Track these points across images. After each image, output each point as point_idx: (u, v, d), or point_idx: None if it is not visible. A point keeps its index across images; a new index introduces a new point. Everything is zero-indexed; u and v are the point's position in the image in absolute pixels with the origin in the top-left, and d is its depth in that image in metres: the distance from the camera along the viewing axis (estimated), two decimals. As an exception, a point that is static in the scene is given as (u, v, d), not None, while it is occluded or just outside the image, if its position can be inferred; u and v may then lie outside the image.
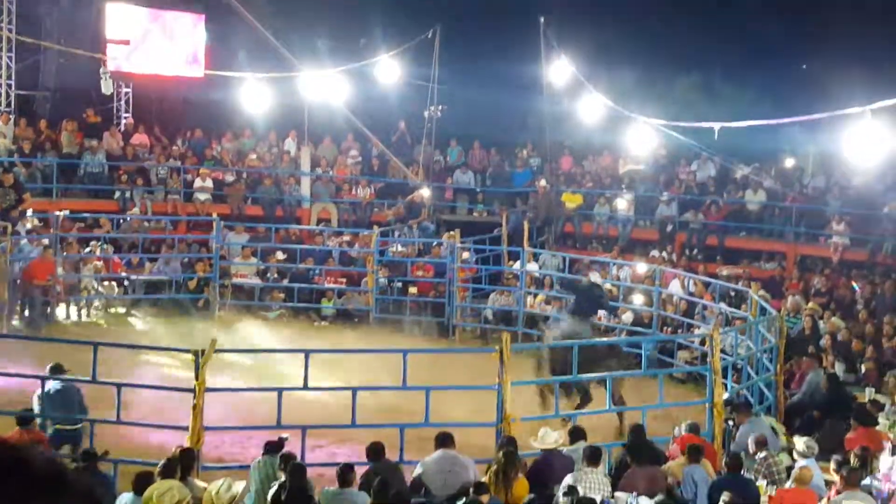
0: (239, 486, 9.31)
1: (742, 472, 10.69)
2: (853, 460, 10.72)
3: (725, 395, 13.43)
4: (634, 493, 10.09)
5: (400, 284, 22.23)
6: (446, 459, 10.63)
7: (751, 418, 12.66)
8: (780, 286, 21.46)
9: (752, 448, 11.48)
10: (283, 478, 9.77)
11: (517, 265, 22.06)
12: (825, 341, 17.08)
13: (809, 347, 16.83)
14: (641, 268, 21.55)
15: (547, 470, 10.73)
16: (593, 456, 10.47)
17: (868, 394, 14.94)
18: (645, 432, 11.70)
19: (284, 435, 11.30)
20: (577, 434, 11.49)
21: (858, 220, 22.99)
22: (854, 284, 20.78)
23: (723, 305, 18.93)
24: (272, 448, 10.62)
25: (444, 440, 10.79)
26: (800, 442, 11.34)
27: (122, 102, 27.17)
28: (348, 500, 9.76)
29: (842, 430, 12.85)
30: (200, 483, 9.78)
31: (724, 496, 9.50)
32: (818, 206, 23.90)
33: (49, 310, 19.96)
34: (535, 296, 21.47)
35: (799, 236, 23.70)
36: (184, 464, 9.70)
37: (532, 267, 22.32)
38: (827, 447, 11.91)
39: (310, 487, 9.75)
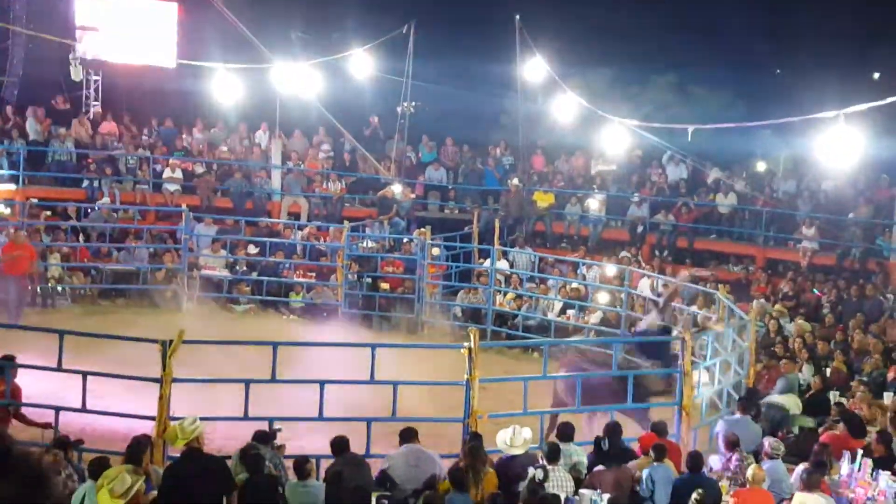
0: (204, 424, 9.60)
1: (704, 472, 10.71)
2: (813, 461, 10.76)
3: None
4: (598, 491, 10.07)
5: (370, 280, 22.12)
6: (412, 454, 10.59)
7: (739, 416, 12.65)
8: (747, 289, 21.53)
9: (722, 447, 11.51)
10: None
11: (487, 263, 22.02)
12: (796, 344, 17.13)
13: (777, 349, 16.88)
14: (610, 269, 21.56)
15: (510, 468, 10.66)
16: (553, 453, 10.45)
17: (833, 397, 15.01)
18: (621, 432, 11.67)
19: (278, 426, 11.25)
20: (565, 434, 11.41)
21: (828, 224, 23.12)
22: (814, 289, 20.90)
23: (693, 308, 18.96)
24: (261, 438, 10.55)
25: (408, 435, 10.76)
26: (766, 442, 11.36)
27: (92, 90, 26.89)
28: (311, 492, 9.76)
29: (813, 435, 12.87)
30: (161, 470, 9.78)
31: (695, 494, 9.48)
32: (788, 211, 24.01)
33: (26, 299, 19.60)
34: (505, 294, 21.44)
35: (768, 240, 23.81)
36: (140, 450, 9.63)
37: (502, 265, 22.29)
38: (800, 450, 11.91)
39: (281, 479, 9.69)
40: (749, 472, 9.94)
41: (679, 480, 10.56)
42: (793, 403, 13.90)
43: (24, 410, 12.04)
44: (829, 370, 16.35)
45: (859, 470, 10.96)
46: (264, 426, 11.17)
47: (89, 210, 22.94)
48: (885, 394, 14.66)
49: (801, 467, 10.61)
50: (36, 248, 20.33)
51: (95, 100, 26.98)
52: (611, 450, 11.16)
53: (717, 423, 13.04)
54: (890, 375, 15.40)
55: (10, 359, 12.13)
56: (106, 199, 23.57)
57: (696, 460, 10.74)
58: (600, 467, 10.70)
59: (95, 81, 26.92)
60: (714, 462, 11.55)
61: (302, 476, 9.94)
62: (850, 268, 22.02)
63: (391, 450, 10.91)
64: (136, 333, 13.30)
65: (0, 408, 11.75)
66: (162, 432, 10.78)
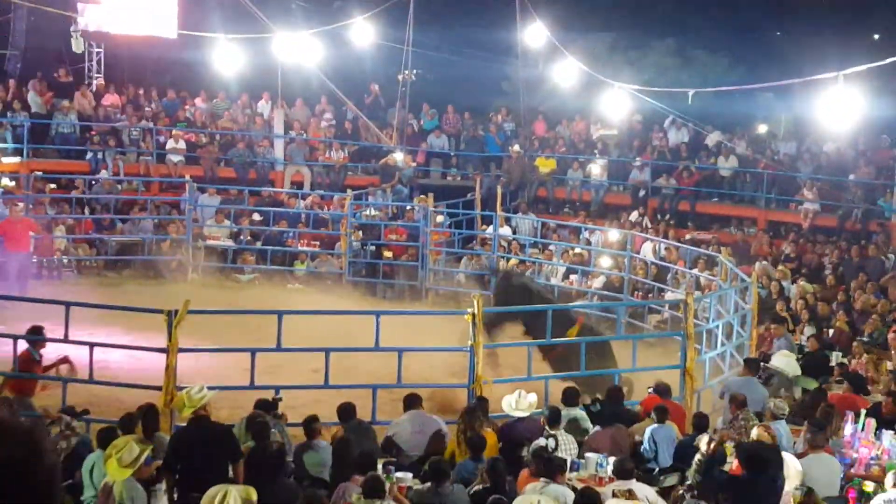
0: (211, 393, 9.64)
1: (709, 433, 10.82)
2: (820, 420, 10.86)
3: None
4: (605, 455, 10.18)
5: (373, 248, 22.22)
6: (417, 420, 10.74)
7: (746, 377, 12.73)
8: (749, 252, 21.60)
9: (728, 406, 11.61)
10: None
11: (490, 229, 22.11)
12: (798, 306, 17.23)
13: (780, 310, 16.98)
14: (613, 234, 21.65)
15: (515, 432, 10.78)
16: (553, 417, 10.58)
17: (835, 357, 15.13)
18: (623, 395, 11.81)
19: (278, 396, 11.41)
20: (569, 397, 11.53)
21: (829, 186, 23.15)
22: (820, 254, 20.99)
23: (695, 271, 19.06)
24: (263, 406, 10.71)
25: (413, 401, 10.91)
26: (770, 403, 11.45)
27: (94, 63, 26.88)
28: (318, 453, 9.91)
29: (820, 395, 12.97)
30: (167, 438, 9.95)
31: (699, 455, 9.54)
32: (789, 173, 24.04)
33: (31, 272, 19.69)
34: (508, 260, 21.54)
35: (770, 202, 23.85)
36: (147, 420, 9.78)
37: (505, 231, 22.38)
38: (806, 411, 11.99)
39: (286, 448, 9.83)
40: (754, 433, 10.04)
41: (686, 439, 10.70)
42: (792, 366, 14.00)
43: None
44: (831, 331, 16.48)
45: (863, 430, 11.04)
46: (270, 395, 11.33)
47: (93, 182, 23.02)
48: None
49: (805, 428, 10.72)
50: (39, 222, 20.42)
51: (98, 72, 26.97)
52: (604, 411, 11.29)
53: (724, 383, 13.16)
54: (890, 336, 15.50)
55: (38, 331, 12.25)
56: (105, 172, 23.58)
57: (702, 420, 10.88)
58: (596, 428, 10.84)
59: (98, 53, 26.89)
60: (719, 423, 11.67)
61: (311, 436, 10.10)
62: (852, 229, 22.07)
63: (396, 416, 11.06)
64: (141, 304, 13.47)
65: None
66: (169, 402, 10.92)
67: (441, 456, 9.98)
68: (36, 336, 12.13)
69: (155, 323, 11.91)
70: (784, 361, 13.84)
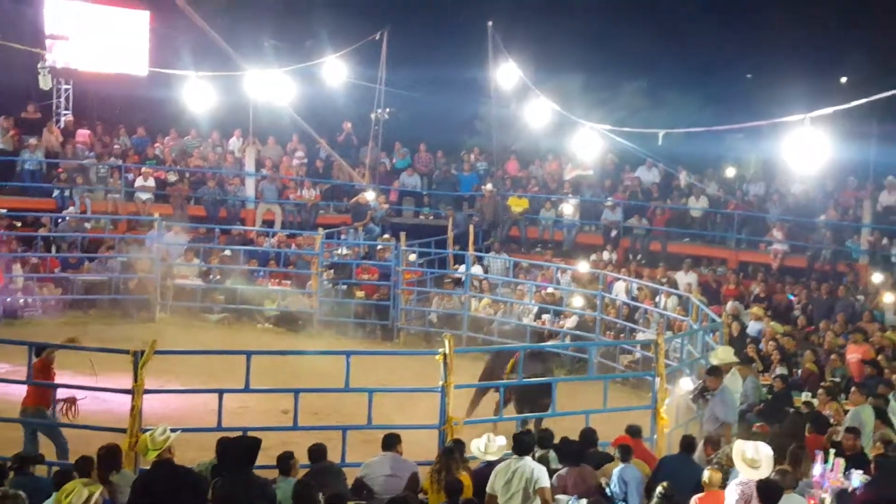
0: (174, 435, 9.46)
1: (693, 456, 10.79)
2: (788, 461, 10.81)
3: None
4: (575, 497, 10.08)
5: (345, 287, 22.09)
6: (391, 462, 10.57)
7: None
8: (718, 292, 21.65)
9: (702, 449, 11.48)
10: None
11: (463, 269, 22.04)
12: (768, 346, 17.24)
13: (750, 351, 16.98)
14: (583, 267, 21.67)
15: (486, 476, 10.63)
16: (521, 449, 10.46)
17: (804, 396, 15.12)
18: (596, 437, 11.69)
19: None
20: (544, 440, 11.41)
21: (797, 227, 23.30)
22: (790, 294, 21.05)
23: (666, 311, 19.07)
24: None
25: (390, 442, 10.74)
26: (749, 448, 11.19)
27: (63, 99, 26.74)
28: (289, 488, 9.74)
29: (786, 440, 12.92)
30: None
31: (660, 488, 9.52)
32: (759, 214, 24.18)
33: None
34: (480, 299, 21.47)
35: (740, 243, 23.97)
36: (105, 461, 9.56)
37: (477, 270, 22.32)
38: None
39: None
40: (705, 475, 9.95)
41: (665, 459, 10.69)
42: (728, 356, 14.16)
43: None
44: (799, 371, 16.51)
45: (831, 469, 11.01)
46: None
47: (60, 220, 22.79)
48: None
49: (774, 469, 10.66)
50: (3, 260, 20.17)
51: (66, 109, 26.82)
52: (571, 451, 11.14)
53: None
54: (854, 356, 15.64)
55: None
56: (72, 209, 23.37)
57: (689, 441, 10.85)
58: (562, 468, 10.73)
59: (66, 90, 26.76)
60: None
61: (286, 473, 9.91)
62: (821, 270, 22.20)
63: (367, 458, 10.90)
64: (108, 344, 13.27)
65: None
66: (134, 444, 10.71)
67: (413, 494, 9.84)
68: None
69: (122, 363, 11.71)
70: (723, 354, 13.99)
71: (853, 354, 16.21)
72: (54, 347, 12.34)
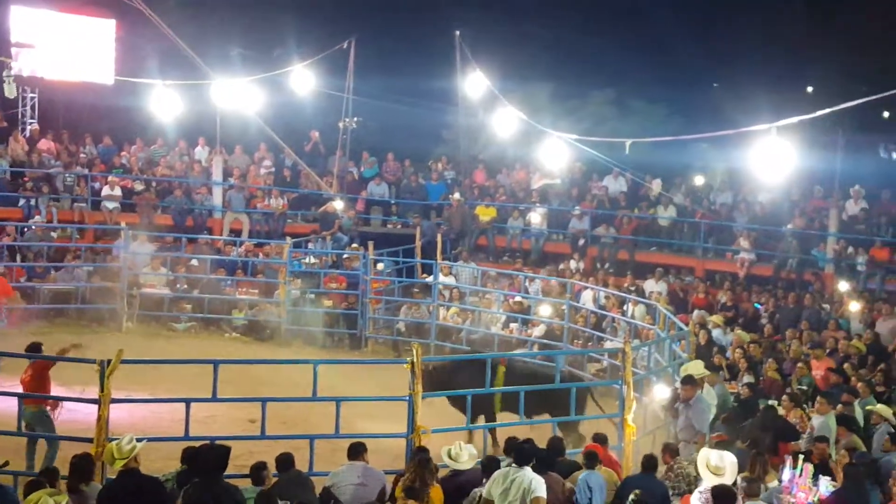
0: (140, 444, 9.55)
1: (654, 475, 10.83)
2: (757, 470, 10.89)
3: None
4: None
5: (313, 296, 22.03)
6: (359, 471, 10.53)
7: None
8: (686, 300, 21.77)
9: (661, 456, 11.59)
10: None
11: (431, 278, 22.05)
12: (735, 354, 17.34)
13: (718, 361, 17.07)
14: (552, 281, 21.69)
15: (455, 484, 10.65)
16: (490, 467, 10.46)
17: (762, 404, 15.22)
18: (563, 446, 11.71)
19: None
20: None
21: (764, 236, 23.47)
22: (757, 303, 21.19)
23: (633, 319, 19.16)
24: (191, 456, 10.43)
25: (357, 451, 10.71)
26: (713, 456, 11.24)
27: (28, 108, 26.53)
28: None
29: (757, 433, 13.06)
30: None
31: (632, 495, 9.58)
32: (726, 223, 24.34)
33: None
34: (448, 308, 21.47)
35: (707, 252, 24.10)
36: (76, 471, 9.48)
37: (446, 279, 22.32)
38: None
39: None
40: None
41: (629, 479, 10.71)
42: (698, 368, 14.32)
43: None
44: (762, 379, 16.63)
45: (800, 475, 11.09)
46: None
47: (25, 229, 22.60)
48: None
49: (740, 477, 10.73)
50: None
51: (32, 117, 26.61)
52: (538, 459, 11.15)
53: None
54: (818, 371, 15.77)
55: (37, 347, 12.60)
56: (38, 218, 23.19)
57: (650, 461, 10.89)
58: None
59: (32, 98, 26.56)
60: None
61: (258, 484, 9.86)
62: (787, 278, 22.37)
63: (335, 467, 10.86)
64: (74, 353, 13.15)
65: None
66: (100, 454, 10.63)
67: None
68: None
69: (88, 373, 11.63)
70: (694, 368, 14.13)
71: (817, 371, 16.30)
72: (52, 359, 12.48)
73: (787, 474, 11.20)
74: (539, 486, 9.71)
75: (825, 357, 16.73)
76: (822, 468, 11.50)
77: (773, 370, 16.55)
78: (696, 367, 14.40)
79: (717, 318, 19.65)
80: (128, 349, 11.68)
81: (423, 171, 27.81)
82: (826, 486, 10.92)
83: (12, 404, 11.90)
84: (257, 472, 10.02)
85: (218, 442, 11.23)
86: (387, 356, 20.24)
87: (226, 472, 10.22)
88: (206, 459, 9.05)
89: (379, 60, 26.84)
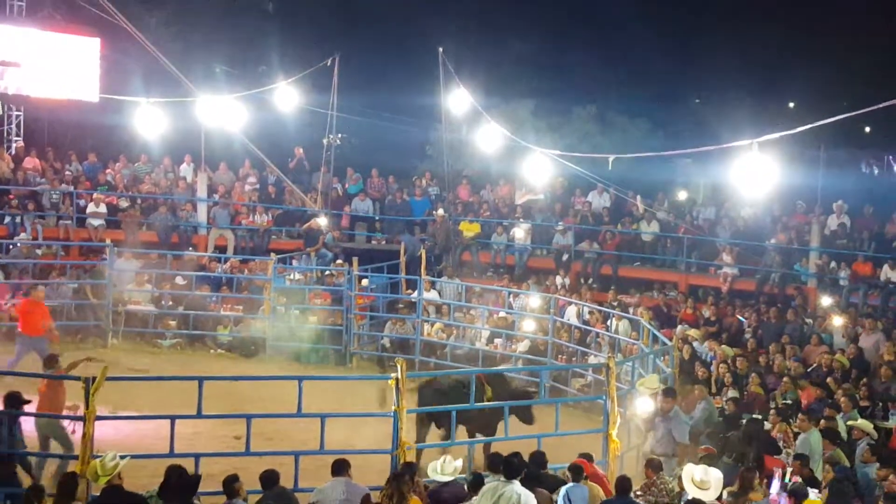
0: (123, 461, 9.68)
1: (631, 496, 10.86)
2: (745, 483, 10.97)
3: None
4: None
5: (297, 312, 22.05)
6: (344, 487, 10.57)
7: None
8: (669, 315, 21.85)
9: (643, 472, 11.66)
10: None
11: (415, 294, 22.09)
12: (720, 369, 17.41)
13: (701, 375, 17.14)
14: (535, 299, 21.72)
15: (440, 497, 10.70)
16: (476, 483, 10.52)
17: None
18: (545, 460, 11.76)
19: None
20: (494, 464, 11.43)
21: (747, 251, 23.58)
22: (741, 318, 21.29)
23: (617, 334, 19.23)
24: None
25: (340, 467, 10.74)
26: (698, 471, 11.29)
27: (13, 125, 26.53)
28: None
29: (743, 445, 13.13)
30: None
31: None
32: (709, 238, 24.44)
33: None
34: (433, 324, 21.52)
35: (690, 266, 24.20)
36: (62, 489, 9.50)
37: (430, 295, 22.37)
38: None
39: None
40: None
41: (607, 503, 10.71)
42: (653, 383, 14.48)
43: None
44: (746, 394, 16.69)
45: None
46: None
47: (11, 246, 22.58)
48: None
49: (725, 492, 10.81)
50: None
51: (17, 135, 26.62)
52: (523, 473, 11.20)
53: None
54: (803, 400, 15.78)
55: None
56: (23, 235, 23.19)
57: (624, 483, 10.90)
58: None
59: (17, 116, 26.58)
60: None
61: (231, 496, 9.89)
62: (770, 293, 22.46)
63: (319, 483, 10.89)
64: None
65: None
66: (85, 471, 10.63)
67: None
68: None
69: (73, 390, 11.65)
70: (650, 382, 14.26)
71: (804, 401, 16.31)
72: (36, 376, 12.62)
73: (775, 486, 11.31)
74: (528, 499, 9.79)
75: (809, 387, 16.70)
76: (809, 483, 11.59)
77: (756, 385, 16.62)
78: (652, 382, 14.52)
79: (694, 332, 19.74)
80: (113, 366, 11.71)
81: (408, 187, 27.87)
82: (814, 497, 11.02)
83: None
84: (229, 485, 10.05)
85: (201, 458, 11.33)
86: (372, 372, 20.26)
87: (209, 490, 10.32)
88: (177, 485, 9.09)
89: (363, 77, 26.96)
